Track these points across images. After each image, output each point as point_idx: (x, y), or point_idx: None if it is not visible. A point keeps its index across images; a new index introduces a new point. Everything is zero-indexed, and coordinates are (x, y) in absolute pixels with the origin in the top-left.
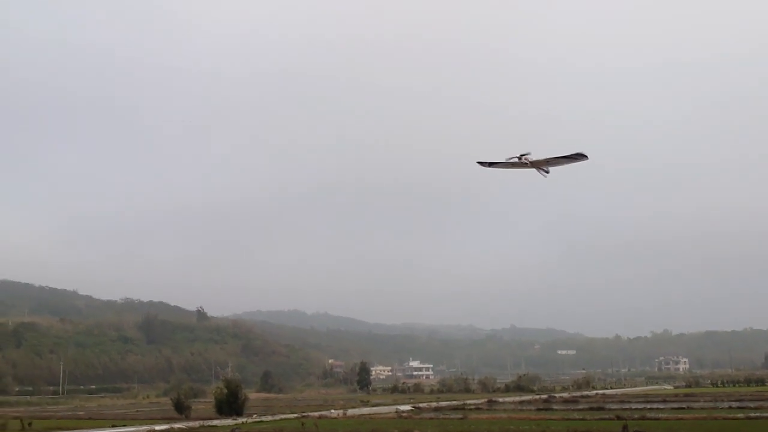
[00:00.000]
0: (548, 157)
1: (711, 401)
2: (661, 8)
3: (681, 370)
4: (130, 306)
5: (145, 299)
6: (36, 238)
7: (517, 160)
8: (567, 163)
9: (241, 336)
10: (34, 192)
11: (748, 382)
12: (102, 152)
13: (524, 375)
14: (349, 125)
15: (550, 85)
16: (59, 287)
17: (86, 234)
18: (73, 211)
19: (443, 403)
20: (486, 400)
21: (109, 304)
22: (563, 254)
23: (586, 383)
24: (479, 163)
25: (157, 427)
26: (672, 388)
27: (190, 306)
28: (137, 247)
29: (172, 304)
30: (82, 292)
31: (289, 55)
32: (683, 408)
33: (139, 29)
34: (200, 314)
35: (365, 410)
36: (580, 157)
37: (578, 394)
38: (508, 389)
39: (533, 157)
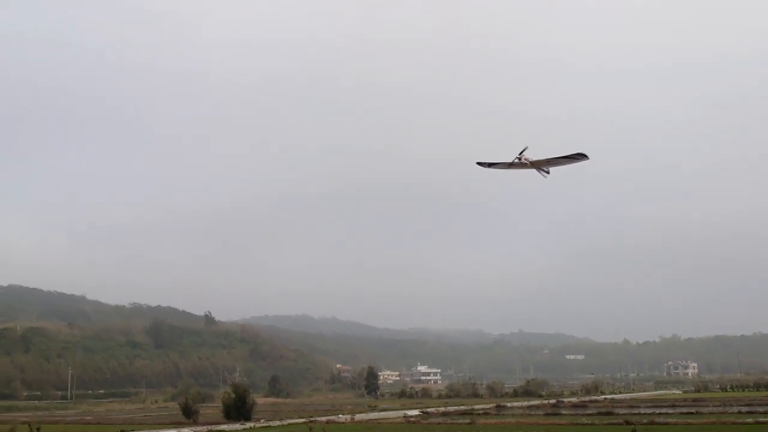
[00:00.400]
0: (549, 157)
1: (720, 406)
2: (661, 8)
3: (690, 374)
4: (138, 311)
5: (153, 304)
6: (44, 242)
7: (516, 159)
8: (568, 163)
9: (248, 341)
10: (41, 196)
11: (757, 386)
12: (107, 156)
13: (532, 380)
14: (356, 127)
15: (550, 85)
16: (67, 292)
17: (94, 238)
18: (81, 215)
19: (451, 408)
20: (494, 405)
21: (117, 309)
22: (571, 258)
23: (595, 388)
24: (478, 163)
25: None
26: (681, 392)
27: (198, 310)
28: (145, 252)
29: (180, 308)
30: (90, 296)
31: (289, 56)
32: (692, 413)
33: (140, 32)
34: (208, 319)
35: (373, 415)
36: (580, 157)
37: (587, 398)
38: (516, 394)
39: (533, 157)
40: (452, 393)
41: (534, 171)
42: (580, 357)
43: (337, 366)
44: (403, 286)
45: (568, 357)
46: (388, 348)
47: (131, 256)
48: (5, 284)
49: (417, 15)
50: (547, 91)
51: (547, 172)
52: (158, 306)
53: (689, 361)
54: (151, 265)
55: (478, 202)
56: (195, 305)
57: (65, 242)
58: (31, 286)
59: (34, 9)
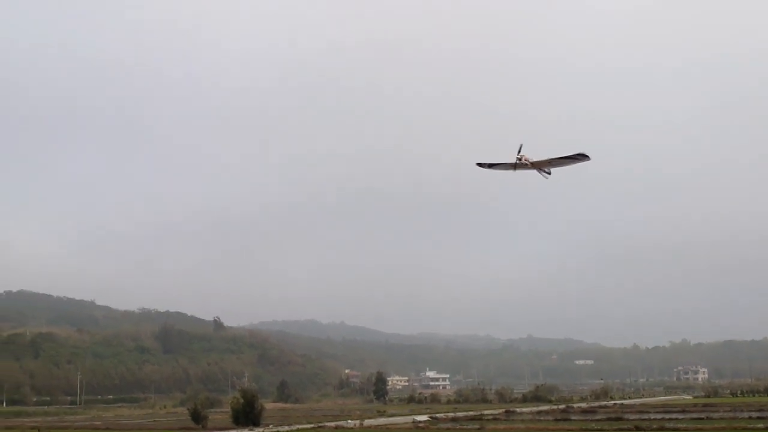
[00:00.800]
0: (549, 157)
1: (730, 411)
2: (661, 8)
3: (700, 379)
4: (147, 316)
5: (162, 309)
6: (54, 248)
7: (517, 160)
8: (569, 163)
9: (257, 346)
10: (52, 202)
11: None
12: (116, 163)
13: (542, 385)
14: (361, 130)
15: (550, 85)
16: (77, 297)
17: (104, 244)
18: (91, 221)
19: (460, 414)
20: (503, 410)
21: (127, 315)
22: (580, 261)
23: (604, 393)
24: (478, 164)
25: None
26: (691, 398)
27: (207, 316)
28: (154, 258)
29: (189, 314)
30: (100, 302)
31: (288, 59)
32: (702, 418)
33: (146, 38)
34: (217, 324)
35: (382, 421)
36: (581, 157)
37: (596, 404)
38: (525, 399)
39: (534, 158)
40: (461, 398)
41: (535, 172)
42: (590, 362)
43: (346, 371)
44: (411, 290)
45: (577, 362)
46: (397, 353)
47: (141, 262)
48: (15, 290)
49: (417, 15)
50: (547, 91)
51: (548, 173)
52: (167, 311)
53: (699, 366)
54: (160, 271)
55: (485, 204)
56: (204, 311)
57: (75, 248)
58: (41, 291)
59: (35, 13)
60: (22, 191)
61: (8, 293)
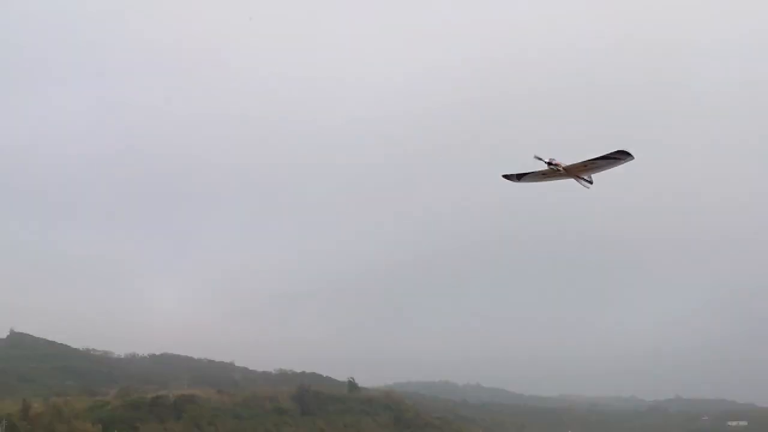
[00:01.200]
0: (584, 160)
1: None
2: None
3: None
4: (284, 377)
5: (298, 370)
6: (192, 311)
7: (547, 166)
8: (609, 166)
9: (392, 408)
10: (190, 266)
11: None
12: (254, 229)
13: None
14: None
15: None
16: (217, 359)
17: (241, 306)
18: (229, 284)
19: None
20: None
21: (264, 375)
22: (730, 319)
23: None
24: (505, 176)
25: None
26: None
27: (341, 376)
28: (289, 318)
29: (324, 374)
30: (239, 363)
31: (411, 123)
32: None
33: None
34: (351, 385)
35: None
36: (622, 156)
37: None
38: None
39: (566, 163)
40: None
41: (572, 181)
42: (743, 423)
43: None
44: (551, 349)
45: (729, 424)
46: (536, 416)
47: (276, 323)
48: (158, 353)
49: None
50: None
51: (590, 182)
52: (303, 372)
53: None
54: (295, 331)
55: (634, 264)
56: (338, 371)
57: (211, 309)
58: (183, 354)
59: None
60: (165, 256)
61: (152, 356)
